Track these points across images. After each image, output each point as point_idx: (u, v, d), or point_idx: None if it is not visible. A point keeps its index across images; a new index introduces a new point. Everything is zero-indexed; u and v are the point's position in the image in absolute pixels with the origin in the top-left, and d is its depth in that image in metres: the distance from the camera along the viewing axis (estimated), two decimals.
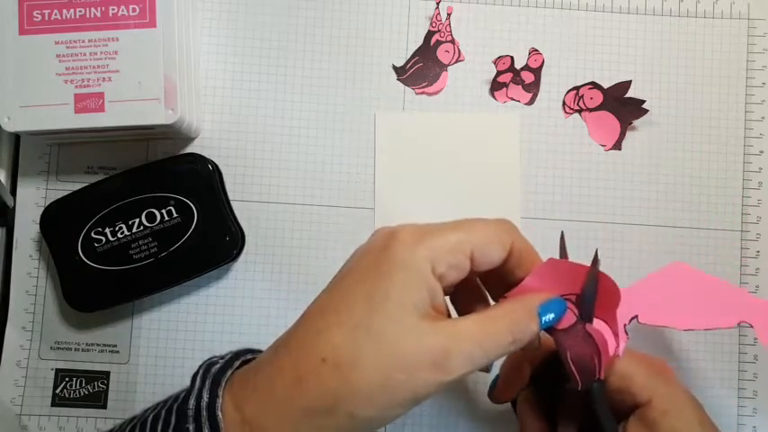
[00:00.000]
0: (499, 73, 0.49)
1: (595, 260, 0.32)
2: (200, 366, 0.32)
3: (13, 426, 0.46)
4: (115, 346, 0.47)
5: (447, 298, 0.33)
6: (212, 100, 0.48)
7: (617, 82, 0.48)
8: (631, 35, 0.49)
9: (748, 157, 0.48)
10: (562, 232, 0.36)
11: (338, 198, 0.48)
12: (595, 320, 0.33)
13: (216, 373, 0.31)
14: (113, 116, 0.42)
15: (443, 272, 0.30)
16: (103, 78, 0.42)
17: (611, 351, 0.33)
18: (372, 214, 0.48)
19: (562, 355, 0.32)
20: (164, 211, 0.45)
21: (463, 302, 0.35)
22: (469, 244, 0.30)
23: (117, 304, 0.45)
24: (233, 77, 0.48)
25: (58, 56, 0.42)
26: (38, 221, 0.45)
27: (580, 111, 0.49)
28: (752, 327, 0.35)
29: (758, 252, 0.48)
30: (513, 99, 0.49)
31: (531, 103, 0.48)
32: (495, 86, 0.49)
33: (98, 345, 0.47)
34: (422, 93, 0.48)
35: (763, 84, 0.49)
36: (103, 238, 0.44)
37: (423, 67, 0.48)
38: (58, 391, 0.46)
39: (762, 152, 0.48)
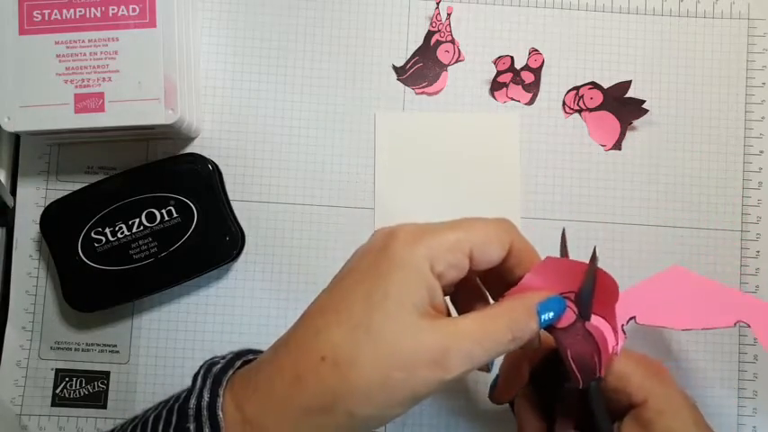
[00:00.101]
0: (499, 73, 0.49)
1: (593, 257, 0.32)
2: (201, 366, 0.32)
3: (13, 426, 0.46)
4: (115, 346, 0.47)
5: (447, 298, 0.33)
6: (212, 100, 0.48)
7: (617, 82, 0.48)
8: (631, 35, 0.49)
9: (748, 157, 0.48)
10: (563, 229, 0.36)
11: (338, 198, 0.48)
12: (594, 317, 0.33)
13: (217, 372, 0.31)
14: (113, 116, 0.42)
15: (442, 271, 0.30)
16: (103, 78, 0.42)
17: (611, 348, 0.33)
18: (372, 214, 0.48)
19: (562, 354, 0.32)
20: (164, 211, 0.45)
21: (463, 302, 0.35)
22: (468, 243, 0.31)
23: (117, 304, 0.45)
24: (233, 77, 0.48)
25: (57, 56, 0.42)
26: (38, 221, 0.45)
27: (580, 111, 0.49)
28: (749, 327, 0.35)
29: (758, 252, 0.48)
30: (513, 99, 0.49)
31: (531, 103, 0.48)
32: (495, 86, 0.49)
33: (98, 345, 0.47)
34: (422, 93, 0.48)
35: (763, 84, 0.49)
36: (103, 238, 0.44)
37: (423, 67, 0.48)
38: (58, 391, 0.46)
39: (762, 152, 0.48)
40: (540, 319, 0.31)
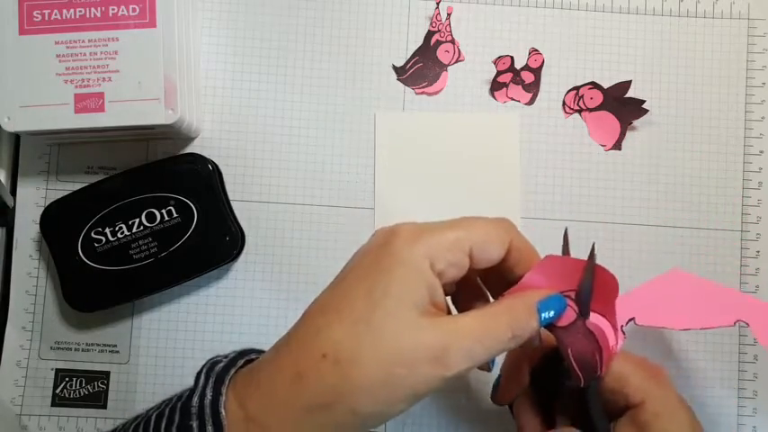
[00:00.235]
0: (499, 73, 0.49)
1: (591, 254, 0.32)
2: (203, 365, 0.32)
3: (13, 426, 0.46)
4: (115, 346, 0.47)
5: (448, 298, 0.33)
6: (212, 100, 0.48)
7: (617, 82, 0.48)
8: (631, 35, 0.49)
9: (748, 157, 0.48)
10: (566, 229, 0.36)
11: (338, 198, 0.48)
12: (594, 315, 0.33)
13: (219, 371, 0.31)
14: (113, 116, 0.42)
15: (442, 269, 0.30)
16: (103, 78, 0.42)
17: (612, 346, 0.33)
18: (372, 214, 0.48)
19: (563, 353, 0.32)
20: (164, 211, 0.45)
21: (463, 301, 0.35)
22: (468, 241, 0.31)
23: (117, 304, 0.45)
24: (233, 77, 0.48)
25: (57, 56, 0.42)
26: (38, 221, 0.45)
27: (580, 111, 0.49)
28: (749, 326, 0.35)
29: (758, 252, 0.48)
30: (513, 99, 0.49)
31: (531, 103, 0.48)
32: (495, 86, 0.49)
33: (98, 345, 0.47)
34: (422, 93, 0.48)
35: (763, 84, 0.49)
36: (103, 238, 0.44)
37: (423, 67, 0.48)
38: (58, 391, 0.46)
39: (762, 152, 0.48)
40: (541, 318, 0.31)
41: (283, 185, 0.48)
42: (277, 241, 0.47)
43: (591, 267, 0.32)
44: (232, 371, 0.31)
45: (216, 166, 0.46)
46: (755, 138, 0.48)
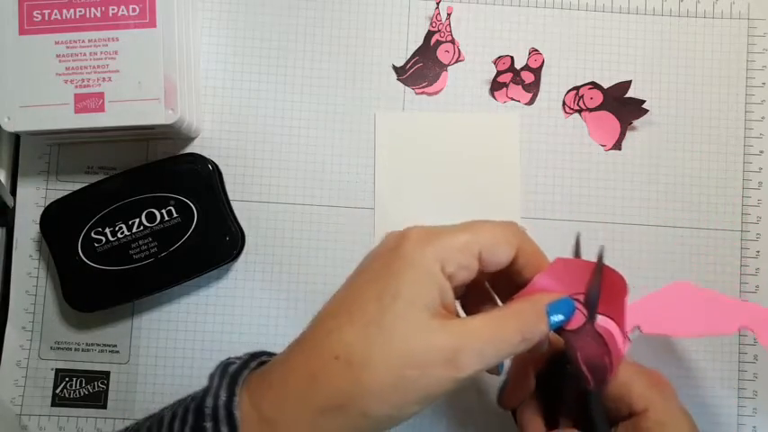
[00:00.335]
0: (499, 73, 0.49)
1: (599, 258, 0.32)
2: (216, 367, 0.32)
3: (13, 426, 0.46)
4: (115, 346, 0.47)
5: (457, 302, 0.33)
6: (212, 100, 0.48)
7: (617, 82, 0.48)
8: (631, 35, 0.49)
9: (748, 157, 0.48)
10: (578, 234, 0.35)
11: (338, 198, 0.48)
12: (602, 317, 0.33)
13: (233, 372, 0.31)
14: (113, 116, 0.42)
15: (453, 271, 0.31)
16: (103, 78, 0.42)
17: (620, 349, 0.33)
18: (372, 214, 0.48)
19: (573, 356, 0.32)
20: (164, 211, 0.45)
21: (472, 305, 0.35)
22: (477, 244, 0.31)
23: (117, 304, 0.45)
24: (233, 77, 0.48)
25: (57, 56, 0.42)
26: (38, 221, 0.45)
27: (580, 111, 0.49)
28: (754, 333, 0.35)
29: (758, 252, 0.48)
30: (513, 99, 0.49)
31: (531, 103, 0.48)
32: (495, 86, 0.49)
33: (98, 345, 0.47)
34: (422, 93, 0.48)
35: (763, 84, 0.49)
36: (103, 238, 0.44)
37: (423, 67, 0.48)
38: (58, 391, 0.46)
39: (762, 152, 0.48)
40: (550, 321, 0.31)
41: (283, 185, 0.48)
42: (277, 241, 0.47)
43: (599, 270, 0.32)
44: (245, 372, 0.31)
45: (216, 166, 0.46)
46: (755, 138, 0.48)
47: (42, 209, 0.45)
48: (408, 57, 0.49)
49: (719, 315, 0.35)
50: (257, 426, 0.29)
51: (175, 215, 0.45)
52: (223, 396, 0.30)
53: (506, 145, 0.48)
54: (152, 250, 0.44)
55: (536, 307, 0.31)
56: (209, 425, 0.29)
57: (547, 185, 0.48)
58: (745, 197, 0.48)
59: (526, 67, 0.49)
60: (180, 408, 0.31)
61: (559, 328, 0.32)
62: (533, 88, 0.49)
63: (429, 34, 0.49)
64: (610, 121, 0.48)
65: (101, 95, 0.42)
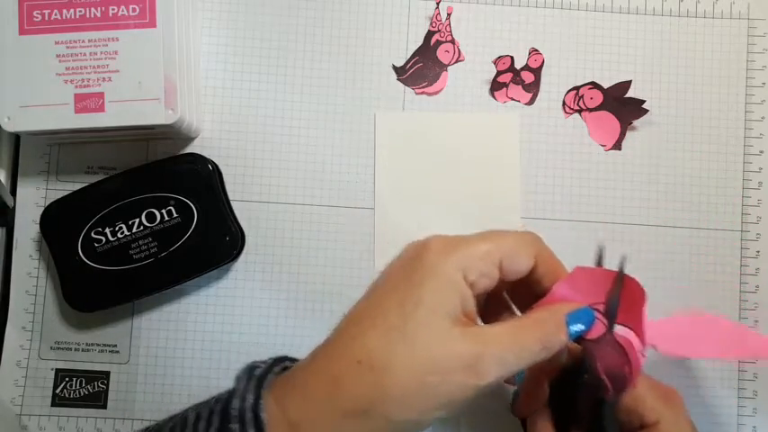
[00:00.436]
0: (499, 73, 0.49)
1: (621, 267, 0.33)
2: (241, 370, 0.33)
3: (13, 426, 0.46)
4: (115, 346, 0.47)
5: None
6: (212, 100, 0.48)
7: (617, 82, 0.48)
8: (631, 35, 0.49)
9: (748, 157, 0.48)
10: (602, 246, 0.35)
11: (338, 198, 0.48)
12: (620, 327, 0.33)
13: (259, 375, 0.32)
14: (113, 116, 0.42)
15: (474, 280, 0.31)
16: (103, 78, 0.42)
17: (639, 359, 0.33)
18: (372, 214, 0.48)
19: (593, 365, 0.32)
20: (164, 211, 0.45)
21: (490, 315, 0.35)
22: (498, 253, 0.32)
23: (117, 304, 0.45)
24: (233, 77, 0.48)
25: (57, 56, 0.42)
26: (38, 221, 0.45)
27: (580, 111, 0.49)
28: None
29: (758, 252, 0.48)
30: (513, 99, 0.49)
31: (531, 103, 0.48)
32: (495, 86, 0.49)
33: (98, 345, 0.47)
34: (422, 93, 0.48)
35: (763, 84, 0.49)
36: (103, 238, 0.44)
37: (423, 67, 0.48)
38: (58, 391, 0.46)
39: (762, 152, 0.48)
40: (570, 331, 0.32)
41: (283, 185, 0.48)
42: (277, 241, 0.47)
43: (620, 279, 0.33)
44: (270, 376, 0.32)
45: (216, 166, 0.46)
46: (755, 138, 0.48)
47: (42, 209, 0.45)
48: (408, 57, 0.49)
49: (731, 342, 0.36)
50: (285, 428, 0.29)
51: (175, 215, 0.45)
52: (250, 398, 0.30)
53: (506, 145, 0.48)
54: (152, 250, 0.44)
55: (556, 316, 0.32)
56: (235, 426, 0.29)
57: (547, 185, 0.48)
58: (745, 197, 0.48)
59: (526, 67, 0.49)
60: (204, 409, 0.31)
61: (579, 338, 0.32)
62: (533, 88, 0.49)
63: (429, 34, 0.49)
64: (610, 121, 0.48)
65: (101, 95, 0.42)
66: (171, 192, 0.45)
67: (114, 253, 0.44)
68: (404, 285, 0.31)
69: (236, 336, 0.47)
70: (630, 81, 0.48)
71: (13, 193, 0.47)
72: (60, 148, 0.48)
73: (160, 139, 0.47)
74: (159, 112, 0.42)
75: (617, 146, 0.48)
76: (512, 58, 0.49)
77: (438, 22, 0.49)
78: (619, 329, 0.33)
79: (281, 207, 0.48)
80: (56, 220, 0.45)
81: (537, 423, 0.37)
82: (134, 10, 0.42)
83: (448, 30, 0.49)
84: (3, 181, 0.46)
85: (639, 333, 0.33)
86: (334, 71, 0.48)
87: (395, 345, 0.29)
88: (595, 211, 0.48)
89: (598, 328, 0.33)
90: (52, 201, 0.45)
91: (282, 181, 0.48)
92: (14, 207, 0.47)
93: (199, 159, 0.46)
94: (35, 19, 0.42)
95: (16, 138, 0.48)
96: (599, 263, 0.35)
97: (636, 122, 0.48)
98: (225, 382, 0.46)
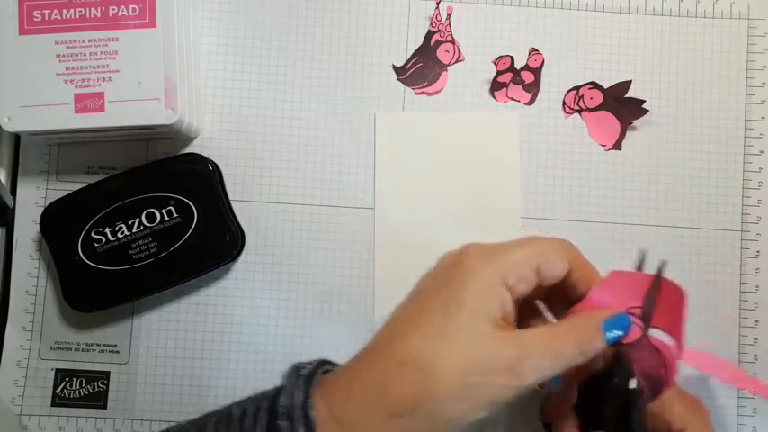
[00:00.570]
0: (499, 73, 0.49)
1: (659, 271, 0.33)
2: (288, 369, 0.33)
3: (13, 426, 0.46)
4: (115, 346, 0.47)
5: None
6: (212, 100, 0.48)
7: (617, 82, 0.48)
8: (631, 35, 0.49)
9: (748, 157, 0.48)
10: (645, 251, 0.36)
11: (338, 198, 0.48)
12: (655, 330, 0.33)
13: (307, 374, 0.32)
14: (113, 116, 0.42)
15: (513, 284, 0.32)
16: (103, 78, 0.42)
17: (676, 362, 0.33)
18: (372, 214, 0.48)
19: (629, 368, 0.33)
20: (164, 211, 0.45)
21: (521, 322, 0.36)
22: (536, 258, 0.32)
23: (117, 304, 0.45)
24: (233, 77, 0.48)
25: (57, 56, 0.42)
26: (38, 221, 0.45)
27: (580, 111, 0.49)
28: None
29: (758, 252, 0.48)
30: (513, 99, 0.48)
31: (531, 103, 0.48)
32: (495, 86, 0.49)
33: (98, 345, 0.47)
34: (422, 93, 0.48)
35: (763, 84, 0.49)
36: (103, 239, 0.44)
37: (423, 67, 0.48)
38: (58, 391, 0.46)
39: (762, 152, 0.48)
40: (607, 337, 0.32)
41: (283, 185, 0.48)
42: (277, 241, 0.47)
43: (657, 283, 0.33)
44: (317, 376, 0.32)
45: (216, 166, 0.46)
46: (755, 138, 0.48)
47: (42, 209, 0.45)
48: (408, 57, 0.49)
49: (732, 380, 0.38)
50: (332, 427, 0.30)
51: (175, 215, 0.45)
52: (299, 396, 0.31)
53: (506, 145, 0.48)
54: (152, 250, 0.44)
55: (592, 322, 0.32)
56: (284, 423, 0.30)
57: (547, 185, 0.48)
58: (745, 197, 0.48)
59: (526, 67, 0.49)
60: (250, 405, 0.32)
61: (616, 342, 0.33)
62: (533, 88, 0.49)
63: (429, 34, 0.49)
64: (610, 121, 0.48)
65: (101, 95, 0.42)
66: (171, 192, 0.45)
67: (114, 253, 0.44)
68: (446, 289, 0.31)
69: (236, 336, 0.47)
70: (630, 81, 0.48)
71: (13, 193, 0.47)
72: (60, 148, 0.48)
73: (160, 139, 0.47)
74: (159, 112, 0.42)
75: (617, 146, 0.48)
76: (512, 58, 0.49)
77: (438, 22, 0.49)
78: (654, 332, 0.33)
79: (281, 207, 0.48)
80: (56, 220, 0.45)
81: (564, 428, 0.37)
82: (134, 10, 0.42)
83: (448, 30, 0.49)
84: (3, 181, 0.46)
85: (678, 334, 0.33)
86: (334, 71, 0.48)
87: (437, 346, 0.30)
88: (595, 211, 0.48)
89: (634, 332, 0.33)
90: (52, 201, 0.45)
91: (282, 181, 0.48)
92: (14, 207, 0.47)
93: (199, 159, 0.46)
94: (35, 19, 0.42)
95: (16, 138, 0.48)
96: (640, 267, 0.35)
97: (636, 122, 0.48)
98: (225, 382, 0.47)
